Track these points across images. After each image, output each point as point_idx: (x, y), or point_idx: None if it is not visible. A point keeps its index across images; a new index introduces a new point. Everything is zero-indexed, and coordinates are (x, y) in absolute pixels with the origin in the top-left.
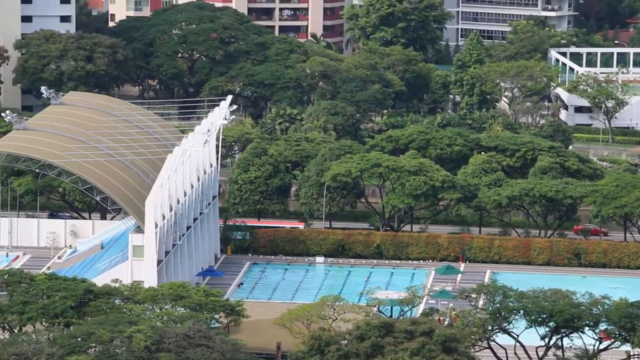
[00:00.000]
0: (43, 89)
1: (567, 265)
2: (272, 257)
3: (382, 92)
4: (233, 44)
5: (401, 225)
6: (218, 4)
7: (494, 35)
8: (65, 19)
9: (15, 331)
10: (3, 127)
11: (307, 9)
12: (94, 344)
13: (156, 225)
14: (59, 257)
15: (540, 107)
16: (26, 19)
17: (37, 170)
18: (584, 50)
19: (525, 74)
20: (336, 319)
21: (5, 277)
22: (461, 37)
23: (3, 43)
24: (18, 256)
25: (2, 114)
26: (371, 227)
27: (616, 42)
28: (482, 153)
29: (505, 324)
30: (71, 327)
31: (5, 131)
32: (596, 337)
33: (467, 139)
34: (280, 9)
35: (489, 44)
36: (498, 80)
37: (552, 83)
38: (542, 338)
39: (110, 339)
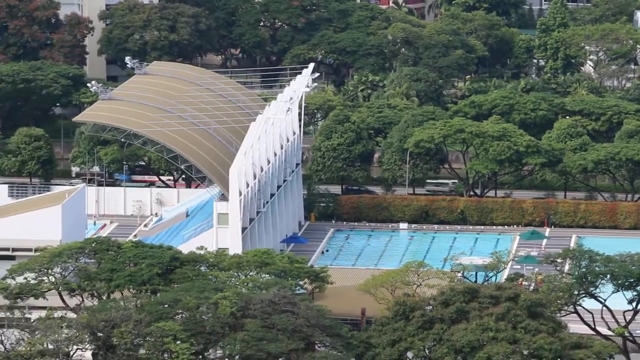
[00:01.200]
0: (127, 59)
1: None
2: (356, 223)
3: (465, 58)
4: (314, 11)
5: (485, 191)
6: None
7: None
8: None
9: (104, 298)
10: (89, 97)
11: None
12: (180, 311)
13: (240, 193)
14: (145, 225)
15: (626, 70)
16: None
17: (122, 140)
18: None
19: (610, 37)
20: (420, 284)
21: (93, 245)
22: (545, 0)
23: (88, 14)
24: (105, 224)
25: (88, 85)
26: (455, 193)
27: None
28: (567, 117)
29: (592, 289)
30: (158, 294)
31: (91, 101)
32: None
33: (551, 104)
34: None
35: (573, 7)
36: (583, 44)
37: (638, 46)
38: (630, 302)
39: (196, 305)
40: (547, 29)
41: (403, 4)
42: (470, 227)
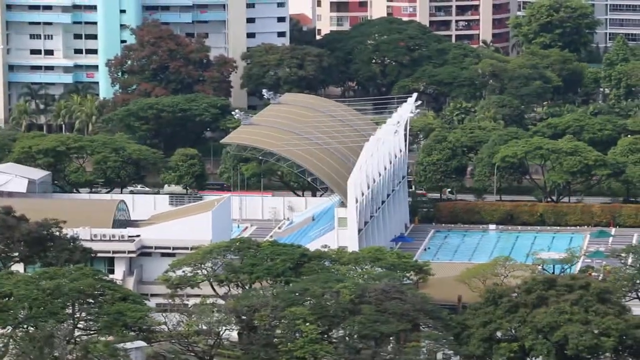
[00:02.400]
0: (264, 91)
1: None
2: (452, 225)
3: (543, 88)
4: (417, 50)
5: (560, 197)
6: (405, 18)
7: (637, 37)
8: (281, 34)
9: (246, 288)
10: (233, 123)
11: (478, 20)
12: (308, 298)
13: (356, 201)
14: (279, 228)
15: None
16: (250, 35)
17: (260, 157)
18: None
19: None
20: (507, 276)
21: (238, 244)
22: (609, 40)
23: (232, 55)
24: (247, 227)
25: (232, 113)
26: (535, 200)
27: None
28: (629, 136)
29: None
30: (290, 284)
31: (235, 126)
32: None
33: (615, 125)
34: (456, 21)
35: (634, 44)
36: None
37: None
38: None
39: (321, 293)
40: (612, 63)
41: (490, 44)
42: (548, 227)
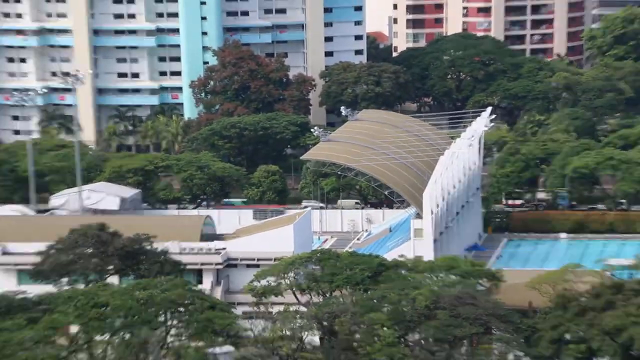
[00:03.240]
0: (342, 108)
1: None
2: (525, 234)
3: (616, 99)
4: (492, 65)
5: (631, 207)
6: (479, 34)
7: None
8: (358, 52)
9: (327, 295)
10: (313, 139)
11: (552, 34)
12: (386, 304)
13: (432, 212)
14: (358, 239)
15: None
16: (328, 54)
17: (339, 172)
18: None
19: None
20: (576, 282)
21: (318, 255)
22: None
23: (311, 74)
24: (327, 239)
25: (312, 130)
26: (605, 209)
27: None
28: None
29: None
30: (369, 292)
31: (314, 143)
32: None
33: None
34: (531, 35)
35: None
36: None
37: None
38: None
39: (398, 300)
40: None
41: (565, 57)
42: (618, 235)
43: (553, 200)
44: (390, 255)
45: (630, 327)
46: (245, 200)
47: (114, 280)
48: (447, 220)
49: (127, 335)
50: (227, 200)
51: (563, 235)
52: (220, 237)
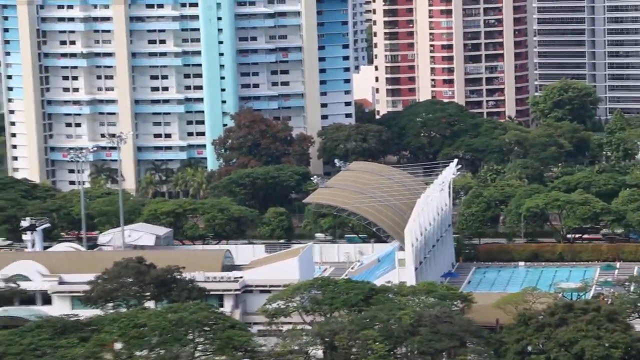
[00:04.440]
0: (336, 160)
1: None
2: (490, 263)
3: (557, 152)
4: (456, 125)
5: (576, 240)
6: (445, 100)
7: (631, 111)
8: (348, 115)
9: (328, 316)
10: (312, 186)
11: (504, 100)
12: (377, 323)
13: (412, 245)
14: (352, 268)
15: None
16: (324, 117)
17: (335, 213)
18: None
19: None
20: (534, 302)
21: (320, 282)
22: (609, 113)
23: (310, 133)
24: (326, 268)
25: (312, 178)
26: (553, 241)
27: None
28: (627, 189)
29: None
30: (362, 312)
31: (314, 189)
32: None
33: (616, 180)
34: (487, 101)
35: (628, 117)
36: (635, 141)
37: None
38: None
39: (387, 319)
40: (612, 131)
41: (515, 118)
42: (566, 263)
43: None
44: (379, 282)
45: (581, 339)
46: (364, 236)
47: (150, 304)
48: (425, 252)
49: (162, 351)
50: (348, 236)
51: (521, 263)
52: (238, 268)
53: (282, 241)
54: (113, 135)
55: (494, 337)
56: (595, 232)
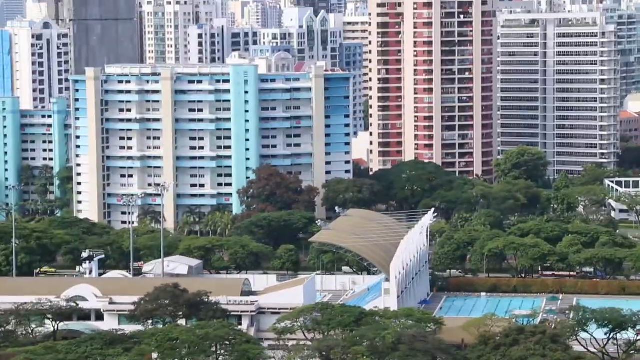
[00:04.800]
0: (337, 208)
1: (617, 294)
2: (458, 293)
3: (514, 205)
4: (434, 181)
5: (527, 275)
6: (426, 161)
7: (574, 172)
8: (347, 171)
9: (326, 334)
10: (317, 228)
11: (473, 162)
12: (365, 340)
13: (396, 278)
14: (346, 295)
15: (600, 210)
16: (327, 172)
17: (334, 250)
18: (623, 180)
19: (591, 192)
20: (493, 326)
21: (319, 306)
22: (556, 174)
23: (316, 185)
24: (325, 295)
25: (316, 222)
26: (510, 276)
27: None
28: (569, 235)
29: (585, 327)
30: (353, 332)
31: (318, 230)
32: (635, 333)
33: (561, 228)
34: (459, 162)
35: (572, 177)
36: (576, 196)
37: (606, 197)
38: (605, 334)
39: (374, 337)
40: (558, 188)
41: (481, 176)
42: (519, 294)
43: (476, 270)
44: (368, 307)
45: (530, 357)
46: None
47: (182, 322)
48: (406, 283)
49: None
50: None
51: (483, 294)
52: (254, 293)
53: (290, 272)
54: (158, 185)
55: (460, 354)
56: (570, 270)
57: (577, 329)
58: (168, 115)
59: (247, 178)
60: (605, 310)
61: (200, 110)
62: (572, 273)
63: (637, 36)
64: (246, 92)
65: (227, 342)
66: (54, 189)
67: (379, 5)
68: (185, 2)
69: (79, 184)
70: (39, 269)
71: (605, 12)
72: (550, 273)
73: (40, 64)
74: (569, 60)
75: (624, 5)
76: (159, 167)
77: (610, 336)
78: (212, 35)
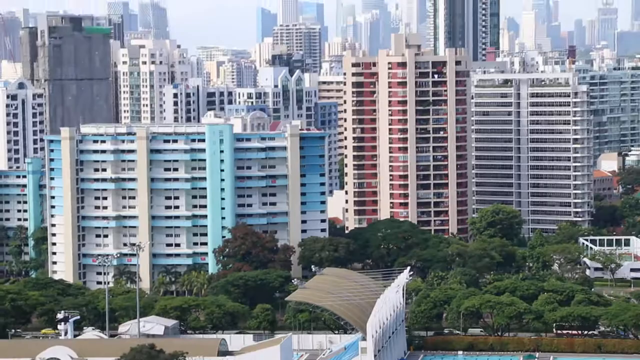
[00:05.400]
0: (313, 267)
1: (593, 352)
2: (434, 351)
3: (490, 262)
4: (410, 239)
5: (504, 334)
6: (401, 219)
7: (548, 231)
8: (323, 230)
9: None
10: (293, 287)
11: (448, 220)
12: None
13: (372, 337)
14: (323, 355)
15: (575, 268)
16: (303, 231)
17: (310, 309)
18: (597, 238)
19: (566, 251)
20: None
21: None
22: (531, 232)
23: (292, 244)
24: (302, 354)
25: (292, 281)
26: (486, 334)
27: (614, 232)
28: (545, 293)
29: None
30: None
31: (294, 289)
32: None
33: (536, 286)
34: (434, 221)
35: (546, 235)
36: (551, 254)
37: (581, 255)
38: None
39: None
40: (533, 247)
41: (456, 235)
42: (497, 352)
43: (452, 328)
44: None
45: None
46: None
47: None
48: (382, 342)
49: None
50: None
51: (460, 352)
52: (231, 353)
53: (267, 332)
54: (133, 245)
55: None
56: (589, 329)
57: None
58: (143, 175)
59: (223, 237)
60: None
61: (176, 169)
62: (593, 332)
63: (609, 96)
64: (221, 151)
65: None
66: (29, 249)
67: (353, 65)
68: (161, 62)
69: (54, 244)
70: (13, 330)
71: (577, 73)
72: (599, 333)
73: (15, 124)
74: (542, 120)
75: (596, 66)
76: (134, 227)
77: None
78: (188, 95)
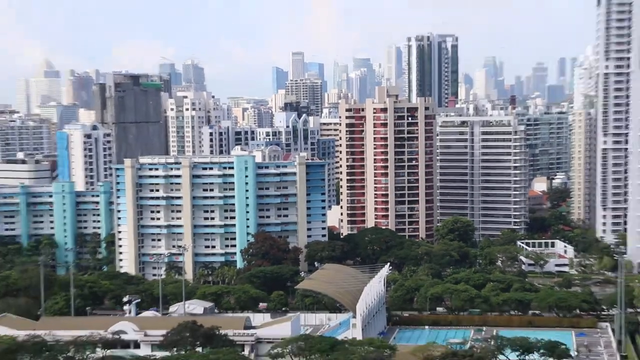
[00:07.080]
0: (316, 263)
1: (526, 327)
2: (408, 326)
3: (450, 260)
4: (389, 242)
5: (460, 313)
6: (383, 227)
7: (495, 236)
8: (323, 236)
9: (308, 358)
10: (301, 278)
11: (419, 227)
12: None
13: (361, 315)
14: (323, 329)
15: (514, 264)
16: (309, 236)
17: (314, 295)
18: (530, 241)
19: (507, 251)
20: (434, 351)
21: (303, 337)
22: (481, 237)
23: (300, 246)
24: (308, 328)
25: (301, 274)
26: (448, 313)
27: (543, 237)
28: (491, 283)
29: (502, 351)
30: (329, 356)
31: (302, 280)
32: (539, 355)
33: (484, 277)
34: (408, 228)
35: (493, 239)
36: (496, 254)
37: (518, 254)
38: (517, 356)
39: None
40: (482, 248)
41: (425, 239)
42: (454, 327)
43: (421, 309)
44: (339, 337)
45: None
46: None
47: (199, 349)
48: (368, 319)
49: None
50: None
51: (426, 327)
52: (254, 327)
53: (280, 311)
54: (180, 247)
55: None
56: (524, 309)
57: (496, 353)
58: (187, 194)
59: (248, 241)
60: (517, 338)
61: (212, 189)
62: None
63: (541, 134)
64: (246, 176)
65: None
66: (102, 250)
67: (347, 110)
68: (199, 109)
69: (120, 246)
70: (90, 309)
71: (517, 116)
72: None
73: (90, 156)
74: (490, 152)
75: (531, 111)
76: (181, 233)
77: (521, 358)
78: (220, 133)
